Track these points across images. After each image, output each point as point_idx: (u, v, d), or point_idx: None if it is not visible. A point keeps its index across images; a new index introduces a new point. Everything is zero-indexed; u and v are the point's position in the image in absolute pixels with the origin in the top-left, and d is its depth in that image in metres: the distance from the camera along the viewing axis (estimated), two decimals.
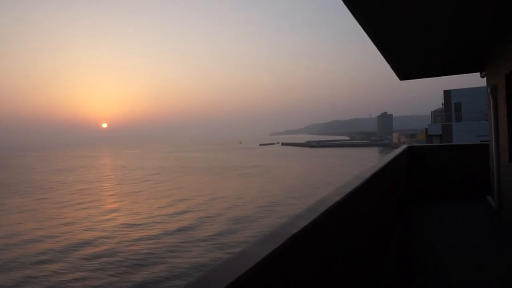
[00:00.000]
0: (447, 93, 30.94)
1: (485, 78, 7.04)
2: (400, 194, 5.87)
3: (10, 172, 69.62)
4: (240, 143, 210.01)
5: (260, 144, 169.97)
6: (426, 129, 32.86)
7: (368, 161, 61.74)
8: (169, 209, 26.55)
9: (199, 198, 30.96)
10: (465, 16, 3.81)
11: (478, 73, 7.56)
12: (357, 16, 3.48)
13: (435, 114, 36.33)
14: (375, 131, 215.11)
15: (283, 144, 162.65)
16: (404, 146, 7.42)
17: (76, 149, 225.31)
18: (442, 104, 32.83)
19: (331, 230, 1.69)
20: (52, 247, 18.11)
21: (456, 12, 3.67)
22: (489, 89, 6.21)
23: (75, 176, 56.76)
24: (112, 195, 36.08)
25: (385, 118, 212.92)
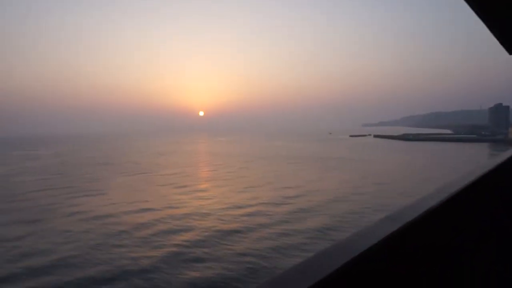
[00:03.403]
0: None
1: None
2: (502, 223, 4.13)
3: (123, 152, 79.49)
4: (330, 133, 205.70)
5: (350, 136, 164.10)
6: None
7: (469, 159, 54.84)
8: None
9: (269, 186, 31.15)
10: None
11: None
12: None
13: None
14: (486, 124, 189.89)
15: (375, 136, 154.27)
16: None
17: (174, 136, 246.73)
18: None
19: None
20: None
21: None
22: None
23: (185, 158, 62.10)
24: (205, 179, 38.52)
25: (499, 110, 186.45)
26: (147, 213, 22.33)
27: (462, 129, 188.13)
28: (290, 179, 36.01)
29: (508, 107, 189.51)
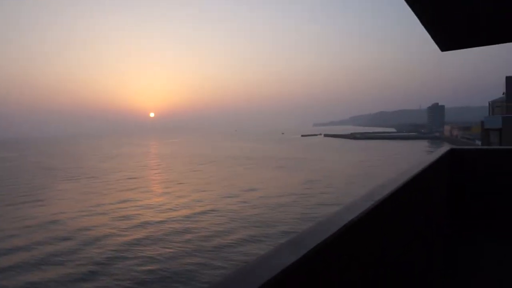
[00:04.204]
0: (510, 80, 27.72)
1: None
2: (435, 223, 4.07)
3: (66, 158, 74.36)
4: (282, 133, 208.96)
5: (302, 135, 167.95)
6: (482, 122, 29.85)
7: (409, 155, 58.32)
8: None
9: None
10: None
11: None
12: None
13: (493, 104, 32.89)
14: (424, 123, 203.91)
15: (325, 135, 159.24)
16: (443, 149, 5.10)
17: (124, 137, 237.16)
18: (503, 93, 29.59)
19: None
20: None
21: None
22: None
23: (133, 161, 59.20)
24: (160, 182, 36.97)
25: (436, 110, 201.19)
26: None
27: (404, 127, 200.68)
28: (238, 182, 35.66)
29: (443, 106, 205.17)
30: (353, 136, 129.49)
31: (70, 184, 36.80)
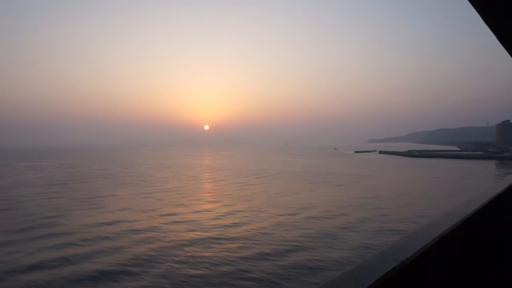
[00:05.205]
0: None
1: None
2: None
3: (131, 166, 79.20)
4: (335, 149, 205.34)
5: (356, 151, 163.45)
6: None
7: (475, 177, 53.80)
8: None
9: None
10: None
11: None
12: None
13: None
14: (492, 142, 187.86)
15: (380, 152, 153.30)
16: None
17: (180, 149, 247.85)
18: None
19: None
20: None
21: None
22: None
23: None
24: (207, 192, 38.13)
25: (506, 127, 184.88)
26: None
27: (469, 146, 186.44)
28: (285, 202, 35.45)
29: None
30: (410, 154, 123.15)
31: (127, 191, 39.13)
